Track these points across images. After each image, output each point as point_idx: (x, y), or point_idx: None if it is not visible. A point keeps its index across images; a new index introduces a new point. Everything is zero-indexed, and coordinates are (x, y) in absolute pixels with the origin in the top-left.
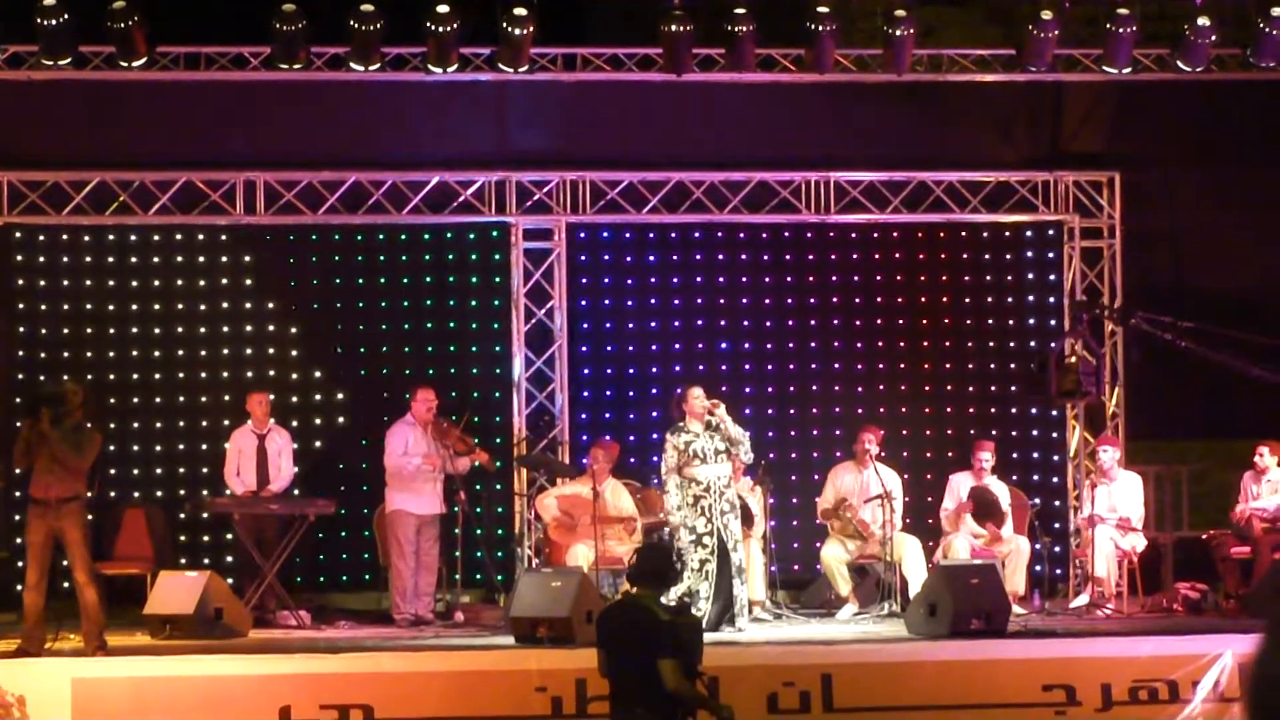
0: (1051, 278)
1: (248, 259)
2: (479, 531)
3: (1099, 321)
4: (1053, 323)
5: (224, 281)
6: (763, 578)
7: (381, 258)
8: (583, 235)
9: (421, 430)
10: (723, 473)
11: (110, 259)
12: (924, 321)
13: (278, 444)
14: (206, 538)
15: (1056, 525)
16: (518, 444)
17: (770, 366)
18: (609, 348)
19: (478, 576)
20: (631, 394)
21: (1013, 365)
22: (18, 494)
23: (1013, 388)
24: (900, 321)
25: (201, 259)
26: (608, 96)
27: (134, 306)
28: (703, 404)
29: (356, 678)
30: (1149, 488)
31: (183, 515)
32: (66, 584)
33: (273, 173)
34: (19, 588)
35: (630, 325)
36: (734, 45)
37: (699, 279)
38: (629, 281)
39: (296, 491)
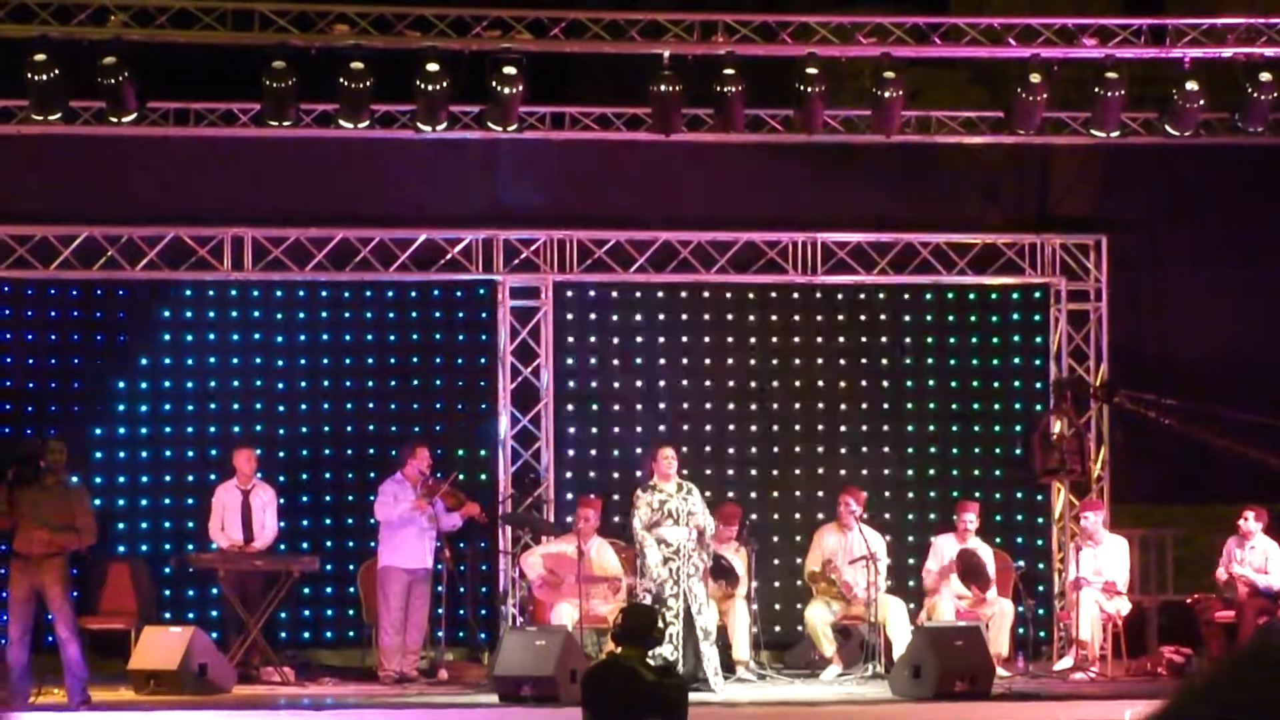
0: (1037, 340)
1: (234, 315)
2: (463, 589)
3: (1083, 398)
4: (1038, 386)
5: (210, 337)
6: (747, 638)
7: (368, 315)
8: (570, 294)
9: (410, 488)
10: (689, 535)
11: (97, 314)
12: (909, 383)
13: (262, 500)
14: (191, 593)
15: (1041, 588)
16: (503, 502)
17: (754, 427)
18: (595, 406)
19: (462, 634)
20: (616, 453)
21: (997, 428)
22: (3, 548)
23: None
24: (885, 383)
25: (188, 314)
26: (596, 155)
27: (120, 361)
28: (672, 465)
29: None
30: (1133, 551)
31: (167, 570)
32: (50, 638)
33: (260, 229)
34: (2, 642)
35: (616, 384)
36: (722, 105)
37: (685, 339)
38: (615, 341)
39: (282, 547)
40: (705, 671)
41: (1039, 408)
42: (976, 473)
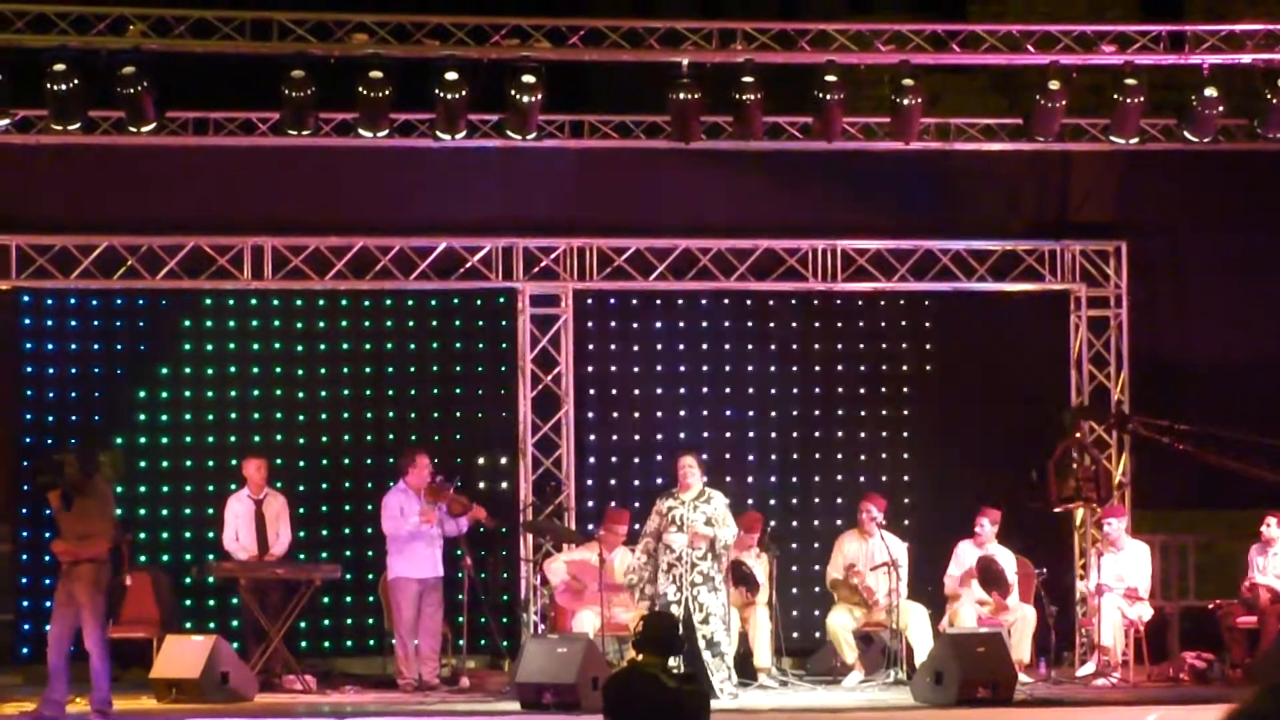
0: (1057, 347)
1: (254, 324)
2: (484, 597)
3: (1101, 419)
4: (1059, 392)
5: (231, 346)
6: (769, 645)
7: (388, 323)
8: (590, 301)
9: (415, 496)
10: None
11: (118, 323)
12: (929, 390)
13: (275, 509)
14: (212, 602)
15: (1063, 594)
16: (524, 510)
17: (774, 434)
18: (615, 414)
19: (483, 642)
20: (637, 460)
21: (1019, 430)
22: (25, 557)
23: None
24: (905, 389)
25: (209, 323)
26: (615, 163)
27: (141, 370)
28: (690, 474)
29: None
30: (1155, 557)
31: (189, 579)
32: (73, 648)
33: (280, 238)
34: (25, 650)
35: (636, 392)
36: (741, 113)
37: (705, 346)
38: (635, 348)
39: (302, 556)
40: (711, 682)
41: (1060, 409)
42: (998, 478)
